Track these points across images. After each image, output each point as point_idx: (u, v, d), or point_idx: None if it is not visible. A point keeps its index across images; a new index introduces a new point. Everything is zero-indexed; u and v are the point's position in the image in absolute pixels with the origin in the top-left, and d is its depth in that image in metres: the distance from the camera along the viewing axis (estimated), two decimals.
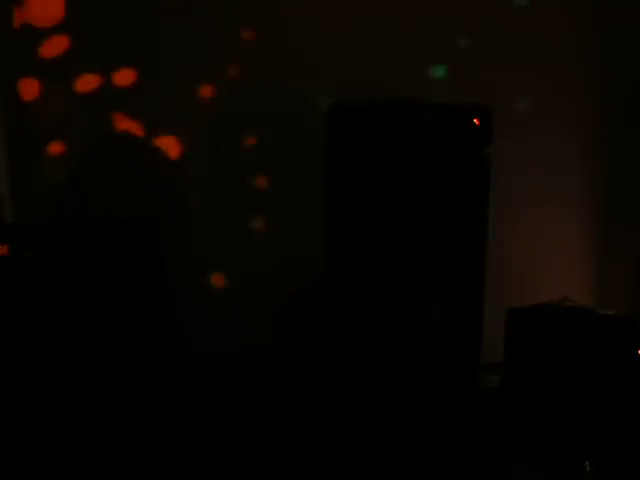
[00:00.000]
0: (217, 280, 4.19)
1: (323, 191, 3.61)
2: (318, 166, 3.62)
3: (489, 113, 3.56)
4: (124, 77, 4.02)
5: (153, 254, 3.68)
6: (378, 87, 4.03)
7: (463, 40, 4.20)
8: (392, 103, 3.66)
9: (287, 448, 3.57)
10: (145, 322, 3.63)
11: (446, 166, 3.56)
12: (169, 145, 4.10)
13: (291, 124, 4.10)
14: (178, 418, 3.68)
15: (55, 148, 4.02)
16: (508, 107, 4.16)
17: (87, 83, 4.00)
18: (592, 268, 4.42)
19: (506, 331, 3.66)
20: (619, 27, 4.34)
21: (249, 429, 3.69)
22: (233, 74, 4.10)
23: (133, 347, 3.60)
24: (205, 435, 3.64)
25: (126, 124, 4.04)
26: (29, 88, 3.97)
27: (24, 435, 3.48)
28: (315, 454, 3.53)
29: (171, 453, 3.52)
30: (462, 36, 4.20)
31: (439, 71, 4.18)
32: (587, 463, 3.40)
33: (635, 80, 4.38)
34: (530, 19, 4.25)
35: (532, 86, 4.29)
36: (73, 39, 3.96)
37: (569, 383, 3.54)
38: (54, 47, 3.96)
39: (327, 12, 4.09)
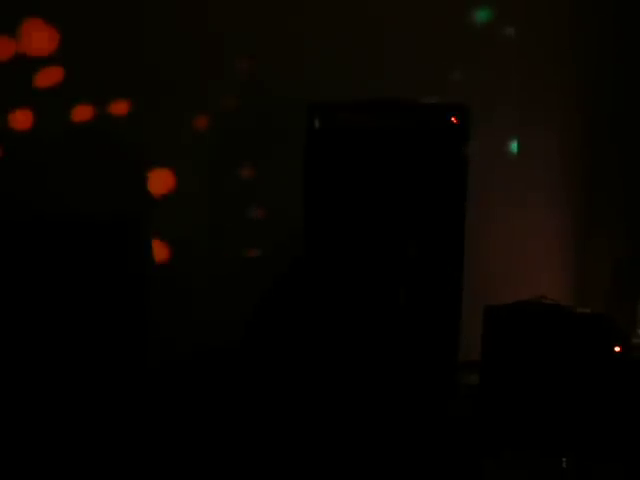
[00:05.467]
0: (197, 276, 4.19)
1: (303, 185, 3.63)
2: (300, 160, 3.65)
3: (467, 112, 3.58)
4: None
5: (133, 253, 3.68)
6: (359, 86, 4.04)
7: (445, 40, 4.24)
8: (371, 101, 3.68)
9: (271, 444, 3.58)
10: (124, 320, 3.63)
11: (424, 164, 3.57)
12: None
13: (276, 119, 4.13)
14: (158, 415, 3.69)
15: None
16: (487, 105, 4.17)
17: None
18: (570, 267, 4.44)
19: (484, 329, 3.68)
20: (601, 26, 4.36)
21: (231, 427, 3.69)
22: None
23: (112, 344, 3.60)
24: (187, 432, 3.65)
25: None
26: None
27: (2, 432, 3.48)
28: (297, 451, 3.54)
29: (154, 450, 3.53)
30: (445, 36, 4.24)
31: (420, 69, 4.20)
32: (564, 459, 3.42)
33: (617, 80, 4.41)
34: (512, 18, 4.29)
35: (512, 84, 4.31)
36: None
37: (547, 380, 3.56)
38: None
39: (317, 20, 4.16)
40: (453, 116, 3.56)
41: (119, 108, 4.05)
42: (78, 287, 3.60)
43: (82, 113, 4.01)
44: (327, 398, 3.60)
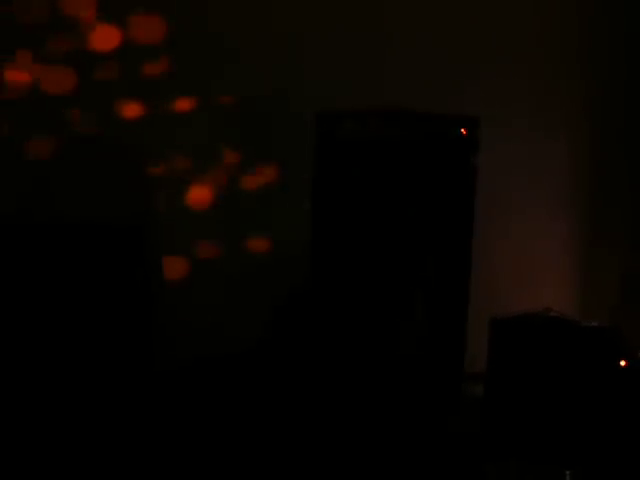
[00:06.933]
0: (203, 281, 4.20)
1: (311, 194, 3.64)
2: (307, 170, 3.66)
3: (477, 124, 3.59)
4: None
5: (138, 257, 3.69)
6: (367, 95, 4.04)
7: (449, 47, 4.24)
8: (381, 111, 3.68)
9: (273, 449, 3.59)
10: (130, 324, 3.64)
11: (433, 175, 3.58)
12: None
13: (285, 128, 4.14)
14: (163, 420, 3.69)
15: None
16: (492, 113, 4.17)
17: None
18: (576, 279, 4.44)
19: (489, 341, 3.68)
20: (610, 28, 4.35)
21: (234, 432, 3.70)
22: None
23: (117, 349, 3.61)
24: (189, 437, 3.66)
25: None
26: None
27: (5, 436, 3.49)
28: (301, 456, 3.54)
29: (156, 455, 3.53)
30: (448, 43, 4.24)
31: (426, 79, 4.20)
32: (568, 472, 3.43)
33: (627, 83, 4.39)
34: (515, 23, 4.28)
35: (517, 92, 4.31)
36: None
37: (552, 393, 3.56)
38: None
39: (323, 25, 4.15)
40: (463, 128, 3.56)
41: None
42: (84, 291, 3.61)
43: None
44: (331, 405, 3.61)
